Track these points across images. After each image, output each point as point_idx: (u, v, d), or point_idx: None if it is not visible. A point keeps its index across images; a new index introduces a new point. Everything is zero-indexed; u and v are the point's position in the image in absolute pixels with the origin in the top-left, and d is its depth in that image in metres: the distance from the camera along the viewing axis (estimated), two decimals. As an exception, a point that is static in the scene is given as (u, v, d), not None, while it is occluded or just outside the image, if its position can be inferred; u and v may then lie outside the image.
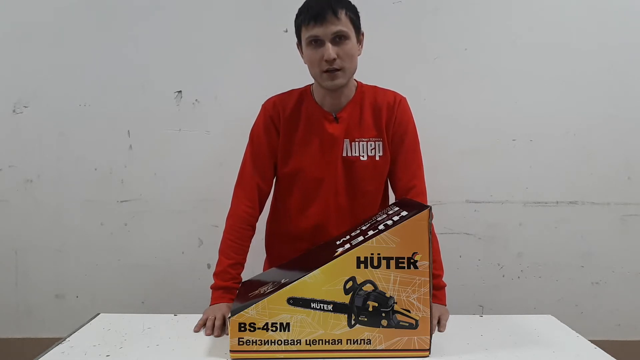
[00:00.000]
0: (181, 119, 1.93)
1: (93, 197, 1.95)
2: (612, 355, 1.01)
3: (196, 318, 1.18)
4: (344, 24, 1.14)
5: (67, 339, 1.08)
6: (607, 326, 1.98)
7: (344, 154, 1.26)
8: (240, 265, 1.27)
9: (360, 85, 1.31)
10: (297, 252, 1.24)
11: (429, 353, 0.99)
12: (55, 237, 1.97)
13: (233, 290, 1.22)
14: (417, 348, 0.98)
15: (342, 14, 1.14)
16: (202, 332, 1.12)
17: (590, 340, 1.10)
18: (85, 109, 1.93)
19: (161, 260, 1.97)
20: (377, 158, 1.26)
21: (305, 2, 1.20)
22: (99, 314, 1.24)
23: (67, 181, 1.95)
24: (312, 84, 1.32)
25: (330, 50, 1.14)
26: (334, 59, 1.15)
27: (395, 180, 1.32)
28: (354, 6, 1.21)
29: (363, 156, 1.26)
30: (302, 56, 1.24)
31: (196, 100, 1.93)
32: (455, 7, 1.89)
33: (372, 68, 1.75)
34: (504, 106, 1.92)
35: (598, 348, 1.05)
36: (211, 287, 1.25)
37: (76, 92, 1.92)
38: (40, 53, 1.91)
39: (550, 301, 1.97)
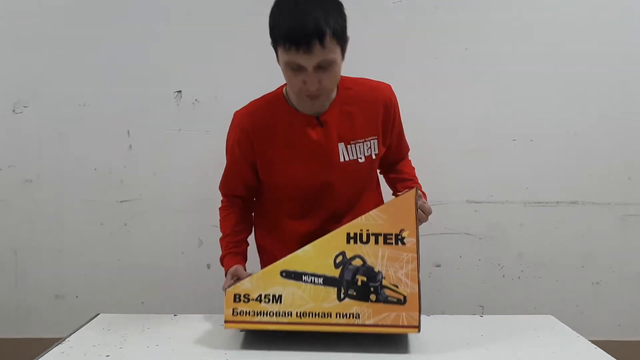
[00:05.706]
0: (181, 119, 1.93)
1: (93, 197, 1.95)
2: (612, 355, 1.00)
3: (196, 318, 1.18)
4: (330, 51, 0.97)
5: (67, 339, 1.08)
6: (607, 326, 1.98)
7: (342, 159, 1.17)
8: (241, 230, 1.25)
9: (342, 81, 1.15)
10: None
11: (419, 330, 0.98)
12: (55, 237, 1.97)
13: (237, 253, 1.21)
14: (405, 325, 0.98)
15: (329, 40, 0.96)
16: (201, 332, 1.12)
17: (590, 340, 1.09)
18: (85, 109, 1.93)
19: (161, 260, 1.97)
20: (374, 157, 1.21)
21: (282, 13, 0.99)
22: (99, 314, 1.24)
23: (67, 181, 1.95)
24: (284, 85, 1.17)
25: (314, 80, 1.00)
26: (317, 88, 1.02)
27: (387, 160, 1.31)
28: (339, 17, 1.00)
29: (361, 158, 1.19)
30: (276, 58, 1.06)
31: (196, 100, 1.93)
32: (455, 7, 1.89)
33: (372, 68, 1.74)
34: (504, 106, 1.92)
35: (598, 348, 1.05)
36: (220, 262, 1.23)
37: (76, 92, 1.92)
38: (40, 53, 1.91)
39: (551, 301, 1.97)
